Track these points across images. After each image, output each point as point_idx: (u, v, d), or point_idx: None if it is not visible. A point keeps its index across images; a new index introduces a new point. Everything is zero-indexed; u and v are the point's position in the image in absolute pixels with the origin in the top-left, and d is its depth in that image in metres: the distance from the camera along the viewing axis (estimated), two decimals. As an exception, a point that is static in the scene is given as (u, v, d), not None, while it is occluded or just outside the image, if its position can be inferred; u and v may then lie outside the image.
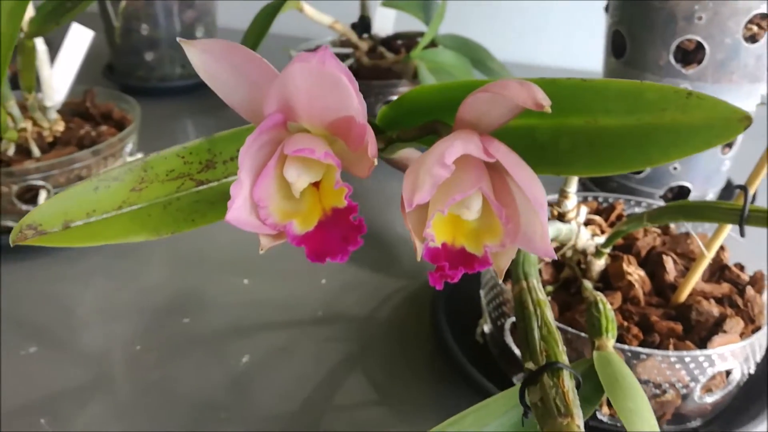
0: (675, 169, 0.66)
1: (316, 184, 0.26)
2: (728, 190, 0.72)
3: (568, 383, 0.29)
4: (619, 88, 0.23)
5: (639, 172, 0.68)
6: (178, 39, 0.25)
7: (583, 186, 0.73)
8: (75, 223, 0.25)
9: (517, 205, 0.25)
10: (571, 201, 0.44)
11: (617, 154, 0.24)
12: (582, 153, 0.25)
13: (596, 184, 0.73)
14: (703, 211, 0.38)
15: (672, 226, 0.53)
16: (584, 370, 0.36)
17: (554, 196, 0.45)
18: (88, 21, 0.87)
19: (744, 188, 0.36)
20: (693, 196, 0.68)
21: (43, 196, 0.58)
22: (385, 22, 0.93)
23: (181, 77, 1.03)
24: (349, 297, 0.57)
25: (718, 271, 0.47)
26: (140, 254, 0.64)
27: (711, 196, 0.69)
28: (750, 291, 0.45)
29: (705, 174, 0.67)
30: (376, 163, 0.23)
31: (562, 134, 0.25)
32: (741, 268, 0.48)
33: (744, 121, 0.21)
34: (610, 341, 0.37)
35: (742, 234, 0.36)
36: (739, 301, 0.44)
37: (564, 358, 0.31)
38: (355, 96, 0.23)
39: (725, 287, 0.46)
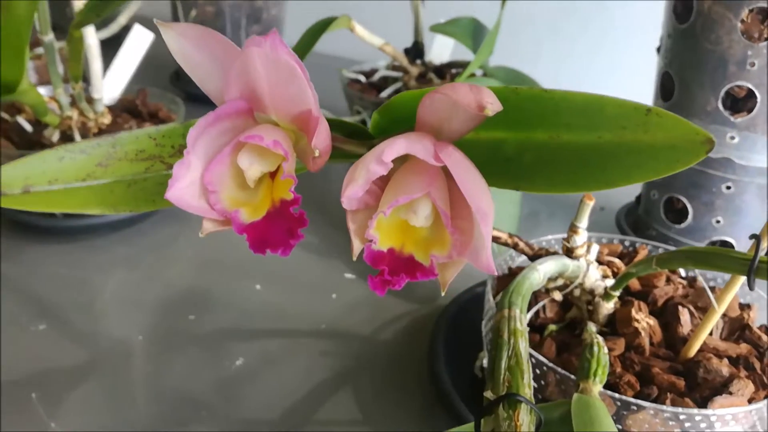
0: (718, 222, 0.62)
1: (272, 176, 0.25)
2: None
3: (525, 417, 0.28)
4: (578, 100, 0.22)
5: (680, 222, 0.65)
6: (154, 20, 0.26)
7: (621, 230, 0.70)
8: (35, 188, 0.25)
9: (474, 219, 0.24)
10: (581, 237, 0.42)
11: (578, 173, 0.23)
12: (544, 169, 0.24)
13: (634, 231, 0.69)
14: (711, 258, 0.36)
15: (700, 279, 0.50)
16: (562, 412, 0.34)
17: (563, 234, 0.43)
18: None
19: (756, 237, 0.34)
20: (737, 254, 0.64)
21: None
22: (443, 49, 0.93)
23: (240, 88, 1.06)
24: (356, 315, 0.56)
25: (739, 330, 0.44)
26: (168, 250, 0.65)
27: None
28: (771, 355, 0.41)
29: (751, 230, 0.63)
30: (317, 154, 0.23)
31: (528, 149, 0.24)
32: (766, 330, 0.44)
33: (707, 144, 0.20)
34: (596, 386, 0.34)
35: (750, 287, 0.33)
36: (757, 365, 0.41)
37: (527, 392, 0.29)
38: (308, 86, 0.23)
39: (743, 348, 0.42)
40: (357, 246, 0.23)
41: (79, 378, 0.47)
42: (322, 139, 0.23)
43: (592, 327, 0.43)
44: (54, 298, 0.57)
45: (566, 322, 0.46)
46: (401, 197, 0.22)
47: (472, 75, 0.74)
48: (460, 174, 0.22)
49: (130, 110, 0.73)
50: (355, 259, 0.23)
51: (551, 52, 1.13)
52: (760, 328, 0.44)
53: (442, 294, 0.25)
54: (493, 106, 0.20)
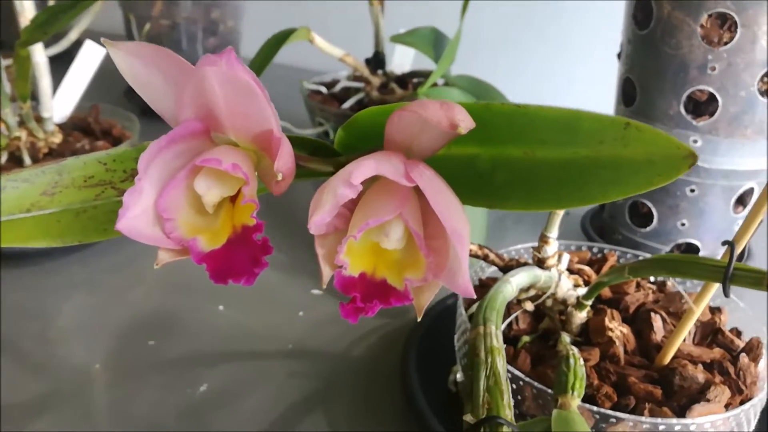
0: (683, 225, 0.63)
1: (233, 200, 0.24)
2: (742, 251, 0.68)
3: (506, 441, 0.27)
4: (553, 116, 0.21)
5: (645, 226, 0.65)
6: (102, 39, 0.24)
7: (587, 236, 0.70)
8: (-27, 222, 0.23)
9: (448, 239, 0.23)
10: (552, 247, 0.42)
11: (553, 190, 0.22)
12: (518, 186, 0.23)
13: (600, 236, 0.69)
14: (685, 267, 0.35)
15: (669, 283, 0.50)
16: (542, 429, 0.33)
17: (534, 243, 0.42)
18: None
19: (731, 244, 0.33)
20: (702, 255, 0.64)
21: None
22: (404, 59, 0.93)
23: (198, 102, 1.04)
24: (325, 332, 0.55)
25: (711, 334, 0.44)
26: (126, 272, 0.63)
27: (721, 256, 0.65)
28: (744, 359, 0.41)
29: (716, 233, 0.63)
30: (280, 178, 0.21)
31: (501, 165, 0.23)
32: (737, 333, 0.44)
33: (689, 158, 0.19)
34: (574, 400, 0.34)
35: (726, 294, 0.33)
36: (731, 369, 0.40)
37: (507, 413, 0.28)
38: (268, 105, 0.21)
39: (717, 352, 0.42)
40: (326, 272, 0.22)
41: (35, 412, 0.45)
42: (284, 162, 0.22)
43: (566, 338, 0.43)
44: (4, 327, 0.54)
45: (539, 332, 0.45)
46: (372, 219, 0.21)
47: (435, 84, 0.74)
48: (433, 194, 0.21)
49: (82, 128, 0.71)
50: (324, 286, 0.22)
51: (510, 61, 1.14)
52: (731, 331, 0.44)
53: (418, 319, 0.24)
54: (465, 123, 0.19)
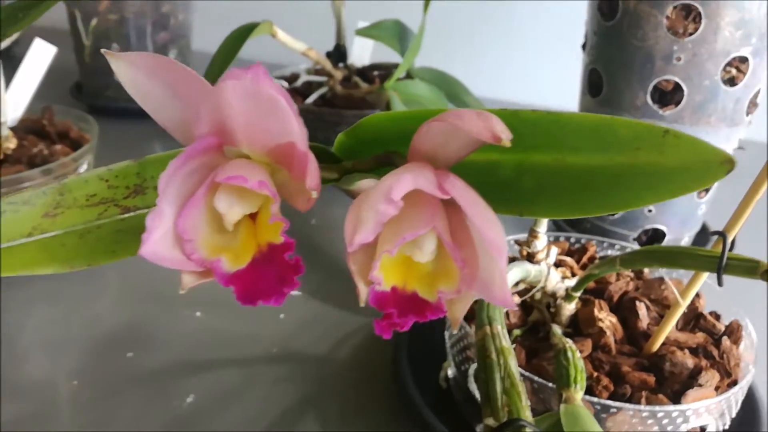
0: (650, 211, 0.64)
1: (253, 216, 0.23)
2: (704, 234, 0.70)
3: (530, 444, 0.27)
4: (589, 122, 0.21)
5: (613, 214, 0.66)
6: (102, 51, 0.23)
7: (556, 226, 0.71)
8: (-27, 250, 0.22)
9: (476, 248, 0.23)
10: (541, 241, 0.42)
11: (585, 197, 0.22)
12: (548, 193, 0.23)
13: (570, 224, 0.71)
14: (678, 258, 0.36)
15: (646, 270, 0.51)
16: (550, 424, 0.33)
17: (524, 235, 0.43)
18: (58, 38, 0.84)
19: (723, 235, 0.34)
20: (668, 240, 0.66)
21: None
22: (363, 52, 0.92)
23: (151, 99, 1.00)
24: (309, 334, 0.54)
25: (693, 319, 0.45)
26: (91, 280, 0.60)
27: (686, 239, 0.68)
28: (726, 342, 0.42)
29: (681, 217, 0.65)
30: (314, 196, 0.21)
31: (527, 172, 0.23)
32: (717, 317, 0.46)
33: (726, 164, 0.19)
34: (578, 393, 0.34)
35: (720, 283, 0.34)
36: (715, 352, 0.42)
37: (527, 415, 0.28)
38: (295, 119, 0.21)
39: (700, 337, 0.43)
40: (363, 290, 0.21)
41: (11, 438, 0.43)
42: (313, 178, 0.21)
43: (557, 330, 0.43)
44: (-32, 347, 0.51)
45: (528, 325, 0.46)
46: (408, 234, 0.20)
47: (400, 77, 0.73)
48: (469, 206, 0.20)
49: (35, 131, 0.67)
50: (363, 305, 0.21)
51: (471, 52, 1.14)
52: (710, 314, 0.46)
53: (454, 331, 0.24)
54: (506, 134, 0.19)
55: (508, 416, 0.28)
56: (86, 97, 1.01)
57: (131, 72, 0.23)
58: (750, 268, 0.33)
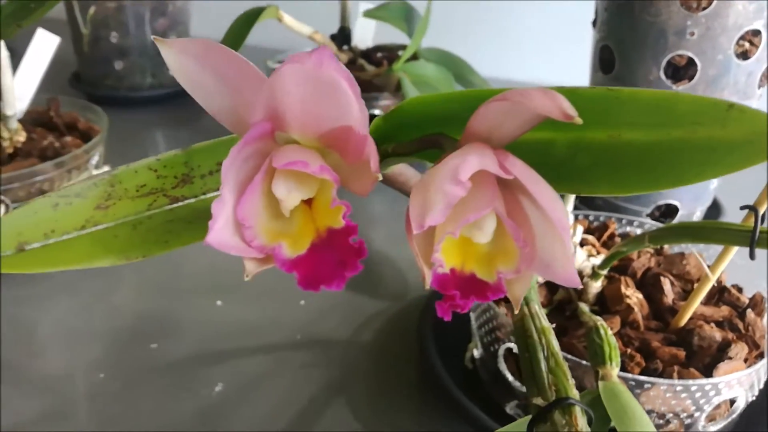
0: (662, 187, 0.64)
1: (308, 202, 0.23)
2: (715, 208, 0.71)
3: (582, 422, 0.27)
4: (649, 98, 0.21)
5: (626, 190, 0.66)
6: (153, 37, 0.22)
7: (568, 203, 0.71)
8: (31, 245, 0.21)
9: (532, 227, 0.23)
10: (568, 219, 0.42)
11: (644, 173, 0.22)
12: (604, 170, 0.23)
13: (581, 201, 0.71)
14: (709, 233, 0.36)
15: (666, 246, 0.51)
16: (589, 402, 0.34)
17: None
18: (55, 27, 0.83)
19: (754, 209, 0.34)
20: (680, 215, 0.66)
21: (2, 211, 0.54)
22: (366, 33, 0.91)
23: (151, 87, 0.99)
24: (330, 319, 0.54)
25: (717, 293, 0.45)
26: (108, 273, 0.60)
27: (698, 214, 0.68)
28: (750, 314, 0.43)
29: (693, 192, 0.66)
30: (380, 178, 0.21)
31: (582, 149, 0.23)
32: (739, 290, 0.46)
33: (790, 136, 0.19)
34: (614, 370, 0.34)
35: (752, 257, 0.34)
36: (740, 325, 0.42)
37: (575, 393, 0.28)
38: (356, 103, 0.20)
39: (725, 310, 0.44)
40: (428, 273, 0.21)
41: (42, 429, 0.43)
42: (375, 161, 0.21)
43: (585, 308, 0.43)
44: (-8, 343, 0.51)
45: (554, 305, 0.46)
46: (472, 215, 0.20)
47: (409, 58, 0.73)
48: (532, 184, 0.20)
49: (43, 123, 0.66)
50: (427, 287, 0.21)
51: (477, 32, 1.13)
52: (733, 287, 0.46)
53: (516, 311, 0.24)
54: (572, 110, 0.19)
55: (556, 395, 0.28)
56: (85, 86, 1.00)
57: (183, 60, 0.22)
58: (784, 241, 0.33)
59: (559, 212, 0.20)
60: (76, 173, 0.58)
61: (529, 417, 0.31)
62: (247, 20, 0.65)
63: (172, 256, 0.55)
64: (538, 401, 0.28)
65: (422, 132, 0.28)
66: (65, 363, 0.49)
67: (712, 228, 0.37)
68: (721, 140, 0.20)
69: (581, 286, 0.22)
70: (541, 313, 0.33)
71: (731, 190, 0.72)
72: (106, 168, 0.63)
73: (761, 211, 0.35)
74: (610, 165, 0.22)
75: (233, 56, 0.23)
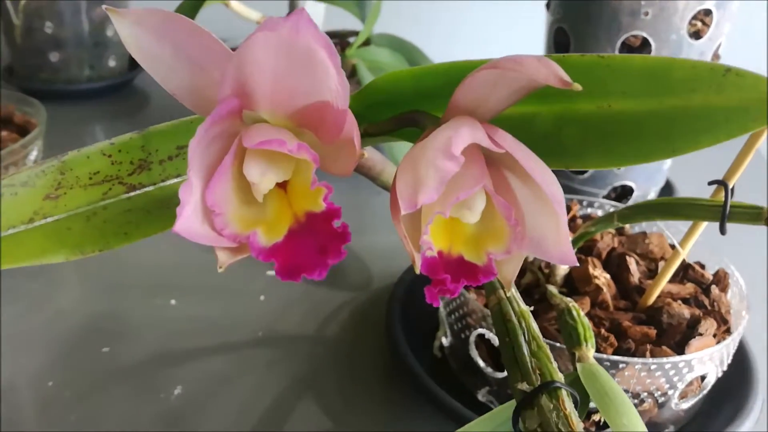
0: (618, 168, 0.65)
1: (282, 185, 0.21)
2: (668, 188, 0.72)
3: (569, 404, 0.26)
4: (642, 66, 0.20)
5: (582, 173, 0.67)
6: (104, 7, 0.20)
7: (527, 188, 0.71)
8: (-30, 241, 0.19)
9: (520, 205, 0.22)
10: (536, 202, 0.41)
11: (636, 144, 0.21)
12: (592, 143, 0.22)
13: (540, 186, 0.71)
14: (679, 209, 0.36)
15: (627, 226, 0.51)
16: (568, 384, 0.33)
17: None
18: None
19: (724, 184, 0.34)
20: (635, 196, 0.67)
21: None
22: (315, 19, 0.89)
23: (89, 80, 0.94)
24: (292, 314, 0.52)
25: (682, 270, 0.46)
26: (47, 273, 0.56)
27: (652, 194, 0.69)
28: (715, 290, 0.43)
29: (647, 173, 0.66)
30: (366, 155, 0.19)
31: (569, 122, 0.22)
32: (702, 266, 0.47)
33: (787, 101, 0.18)
34: (590, 351, 0.34)
35: (722, 231, 0.34)
36: (706, 301, 0.43)
37: (559, 376, 0.28)
38: (336, 75, 0.19)
39: (690, 287, 0.44)
40: (417, 257, 0.20)
41: (-13, 447, 0.40)
42: (358, 137, 0.19)
43: (554, 290, 0.43)
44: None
45: (522, 288, 0.45)
46: (462, 193, 0.19)
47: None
48: (525, 159, 0.19)
49: (-27, 118, 0.62)
50: (418, 272, 0.20)
51: (427, 17, 1.12)
52: (696, 264, 0.47)
53: (508, 294, 0.23)
54: (568, 77, 0.18)
55: (541, 379, 0.27)
56: (19, 80, 0.94)
57: (139, 32, 0.20)
58: (754, 215, 0.33)
59: (553, 186, 0.19)
60: (14, 169, 0.55)
61: (512, 402, 0.30)
62: (193, 6, 0.62)
63: (117, 251, 0.52)
64: (523, 386, 0.27)
65: (396, 110, 0.27)
66: (9, 372, 0.45)
67: (682, 204, 0.36)
68: (718, 107, 0.19)
69: (577, 264, 0.21)
70: (518, 297, 0.33)
71: (681, 171, 0.73)
72: (45, 164, 0.59)
73: (730, 186, 0.35)
74: (599, 137, 0.21)
75: (195, 28, 0.21)
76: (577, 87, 0.17)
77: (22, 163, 0.56)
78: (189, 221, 0.19)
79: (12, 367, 0.46)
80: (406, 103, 0.26)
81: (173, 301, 0.53)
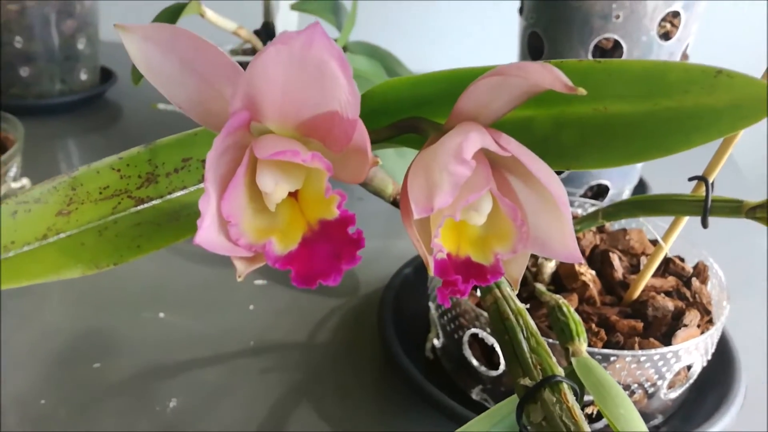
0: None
1: (293, 194, 0.22)
2: (641, 186, 0.74)
3: (571, 397, 0.27)
4: (639, 69, 0.21)
5: (559, 173, 0.68)
6: (115, 24, 0.20)
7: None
8: (-13, 260, 0.19)
9: (522, 205, 0.22)
10: (522, 203, 0.42)
11: (632, 144, 0.22)
12: (590, 145, 0.23)
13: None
14: (662, 205, 0.37)
15: (606, 224, 0.53)
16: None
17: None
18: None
19: (704, 179, 0.36)
20: (611, 194, 0.69)
21: None
22: (288, 27, 0.89)
23: (61, 94, 0.93)
24: (283, 322, 0.52)
25: (663, 264, 0.47)
26: (33, 290, 0.55)
27: (627, 192, 0.71)
28: (696, 282, 0.45)
29: (622, 171, 0.68)
30: (380, 162, 0.20)
31: (566, 125, 0.23)
32: (682, 260, 0.48)
33: (776, 99, 0.19)
34: (583, 345, 0.35)
35: (704, 225, 0.35)
36: (687, 293, 0.44)
37: (560, 370, 0.29)
38: (347, 86, 0.19)
39: (671, 280, 0.45)
40: (431, 260, 0.20)
41: (-19, 469, 0.39)
42: (369, 145, 0.20)
43: (542, 288, 0.44)
44: None
45: (510, 287, 0.46)
46: (471, 196, 0.20)
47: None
48: (530, 162, 0.20)
49: (-53, 136, 0.61)
50: (431, 274, 0.20)
51: (401, 25, 1.13)
52: (676, 258, 0.48)
53: (515, 291, 0.23)
54: (571, 83, 0.18)
55: (542, 374, 0.28)
56: (-7, 95, 0.92)
57: (146, 47, 0.21)
58: (735, 208, 0.35)
59: (558, 187, 0.20)
60: (-7, 187, 0.54)
61: (509, 400, 0.31)
62: (170, 17, 0.62)
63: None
64: (526, 382, 0.28)
65: (393, 118, 0.28)
66: (0, 392, 0.45)
67: (665, 200, 0.38)
68: (708, 107, 0.20)
69: (583, 261, 0.22)
70: (513, 295, 0.33)
71: (653, 170, 0.75)
72: (24, 180, 0.59)
73: (710, 181, 0.36)
74: (597, 139, 0.22)
75: (202, 42, 0.21)
76: (582, 91, 0.18)
77: (3, 181, 0.55)
78: (208, 232, 0.19)
79: (3, 386, 0.45)
80: (404, 111, 0.27)
81: (162, 314, 0.53)
